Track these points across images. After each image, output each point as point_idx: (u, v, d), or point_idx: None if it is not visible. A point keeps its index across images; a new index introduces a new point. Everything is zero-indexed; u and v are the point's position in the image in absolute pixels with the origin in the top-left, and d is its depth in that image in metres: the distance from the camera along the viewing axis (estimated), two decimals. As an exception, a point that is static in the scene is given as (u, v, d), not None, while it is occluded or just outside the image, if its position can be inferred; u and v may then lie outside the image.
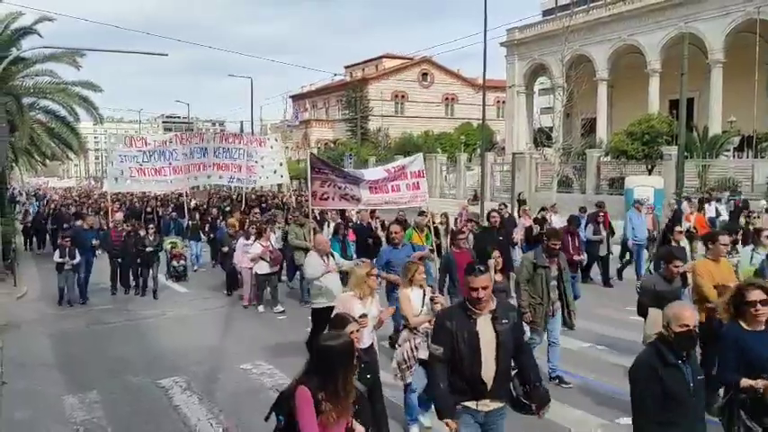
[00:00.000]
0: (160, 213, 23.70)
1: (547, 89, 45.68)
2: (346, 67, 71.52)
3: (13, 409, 7.20)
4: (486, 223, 15.59)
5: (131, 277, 14.49)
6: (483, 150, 31.08)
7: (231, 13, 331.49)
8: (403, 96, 64.61)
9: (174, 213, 20.69)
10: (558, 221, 15.93)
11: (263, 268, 12.37)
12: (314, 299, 8.37)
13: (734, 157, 30.24)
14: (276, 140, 20.43)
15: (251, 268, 12.50)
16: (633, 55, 37.68)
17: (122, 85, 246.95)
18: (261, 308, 12.44)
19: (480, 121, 30.94)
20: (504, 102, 51.73)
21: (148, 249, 13.85)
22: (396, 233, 9.63)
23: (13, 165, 32.65)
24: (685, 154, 24.09)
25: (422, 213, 12.64)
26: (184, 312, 12.57)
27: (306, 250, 11.56)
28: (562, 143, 30.07)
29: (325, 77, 69.35)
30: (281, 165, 20.04)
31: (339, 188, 11.56)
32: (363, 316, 5.47)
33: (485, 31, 26.42)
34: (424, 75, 65.80)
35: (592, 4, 40.85)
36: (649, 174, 27.32)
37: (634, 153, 29.18)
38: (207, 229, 18.42)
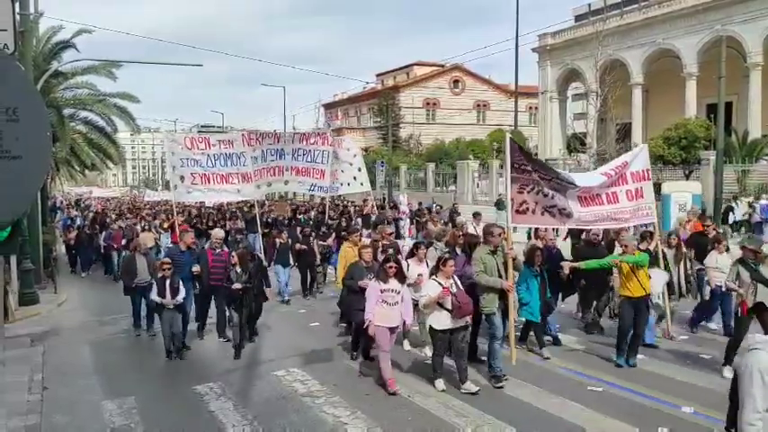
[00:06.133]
0: (227, 228, 18.31)
1: (580, 94, 45.24)
2: (378, 75, 71.83)
3: (54, 413, 7.35)
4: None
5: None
6: (515, 157, 30.80)
7: (264, 24, 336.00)
8: (434, 104, 64.54)
9: (244, 230, 16.33)
10: None
11: (441, 321, 7.66)
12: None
13: (774, 161, 29.55)
14: (352, 142, 17.77)
15: (392, 329, 7.96)
16: (668, 59, 37.10)
17: (159, 95, 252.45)
18: (440, 383, 7.81)
19: (512, 128, 30.77)
20: (536, 108, 51.35)
21: (235, 286, 9.54)
22: None
23: (55, 175, 33.57)
24: (724, 159, 23.60)
25: (649, 235, 9.39)
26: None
27: (501, 293, 8.03)
28: (596, 149, 29.69)
29: (357, 86, 69.87)
30: (359, 170, 17.48)
31: (545, 196, 8.42)
32: None
33: (516, 37, 26.43)
34: (456, 82, 65.65)
35: (625, 9, 40.34)
36: (687, 179, 26.81)
37: (671, 158, 28.73)
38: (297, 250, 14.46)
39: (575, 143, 36.99)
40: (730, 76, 24.47)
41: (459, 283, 7.81)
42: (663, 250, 9.88)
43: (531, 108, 58.42)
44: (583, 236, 11.67)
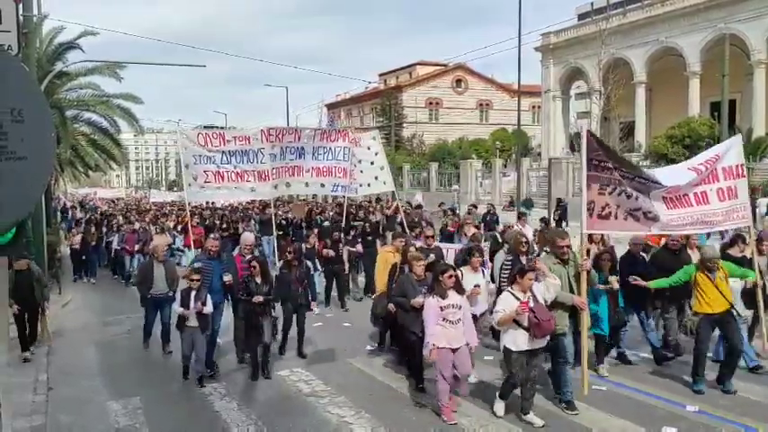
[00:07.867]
0: (239, 230, 17.49)
1: (583, 93, 45.16)
2: (380, 75, 71.83)
3: (59, 414, 7.37)
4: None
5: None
6: (518, 156, 30.86)
7: (265, 24, 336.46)
8: (437, 103, 64.52)
9: (256, 231, 15.35)
10: None
11: (518, 342, 6.53)
12: None
13: (778, 159, 29.47)
14: (374, 139, 16.50)
15: (455, 350, 6.71)
16: (672, 57, 37.02)
17: (158, 96, 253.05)
18: (500, 407, 6.86)
19: (516, 127, 30.72)
20: (539, 107, 51.29)
21: (256, 299, 8.40)
22: None
23: (58, 176, 33.66)
24: (728, 157, 23.52)
25: (740, 239, 8.22)
26: (226, 320, 12.53)
27: (573, 311, 7.07)
28: (599, 147, 29.66)
29: (360, 86, 69.87)
30: (381, 169, 16.16)
31: (629, 197, 7.27)
32: None
33: (519, 35, 26.29)
34: (458, 81, 65.63)
35: (628, 7, 40.29)
36: (690, 178, 26.75)
37: (674, 157, 28.69)
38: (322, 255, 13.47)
39: (578, 142, 36.83)
40: (734, 74, 24.43)
41: (537, 296, 6.57)
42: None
43: (534, 107, 58.39)
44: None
